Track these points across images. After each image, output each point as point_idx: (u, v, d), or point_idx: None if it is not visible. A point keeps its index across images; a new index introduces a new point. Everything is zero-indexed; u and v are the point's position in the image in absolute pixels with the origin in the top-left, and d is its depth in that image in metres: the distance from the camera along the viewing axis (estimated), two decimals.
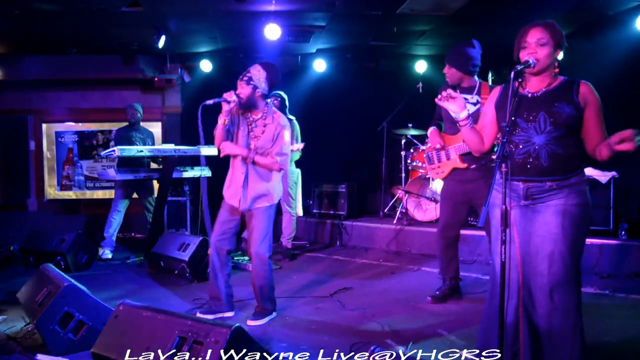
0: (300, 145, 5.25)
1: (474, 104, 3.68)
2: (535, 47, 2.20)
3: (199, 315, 3.49)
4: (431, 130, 3.89)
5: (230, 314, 3.60)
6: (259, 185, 3.43)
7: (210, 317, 3.46)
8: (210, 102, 3.29)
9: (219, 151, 3.50)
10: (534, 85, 2.28)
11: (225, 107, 3.32)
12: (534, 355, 2.21)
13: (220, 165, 3.67)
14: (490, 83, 3.91)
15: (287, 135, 3.43)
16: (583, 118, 2.21)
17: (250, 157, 3.38)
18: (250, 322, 3.40)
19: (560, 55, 2.27)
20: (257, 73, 3.37)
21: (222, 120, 3.35)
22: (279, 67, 3.54)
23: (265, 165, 3.41)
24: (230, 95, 3.29)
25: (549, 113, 2.20)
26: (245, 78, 3.36)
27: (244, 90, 3.35)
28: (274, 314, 3.56)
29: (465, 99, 3.71)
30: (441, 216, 3.91)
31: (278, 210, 5.28)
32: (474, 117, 3.63)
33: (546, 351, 2.20)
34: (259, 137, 3.42)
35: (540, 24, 2.22)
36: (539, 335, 2.21)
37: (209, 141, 3.51)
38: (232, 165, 3.55)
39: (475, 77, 3.76)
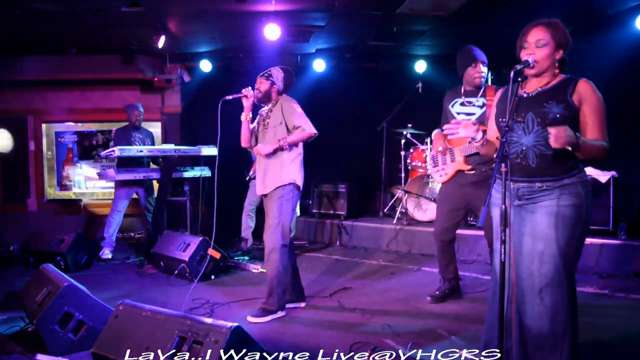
0: None
1: (480, 107, 3.66)
2: (534, 47, 2.18)
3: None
4: (435, 132, 3.87)
5: (301, 304, 3.78)
6: (273, 169, 3.57)
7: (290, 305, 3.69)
8: (229, 97, 3.55)
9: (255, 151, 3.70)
10: (532, 85, 2.26)
11: (245, 103, 3.60)
12: (524, 355, 2.20)
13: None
14: (489, 83, 3.89)
15: (296, 106, 3.62)
16: (578, 117, 2.16)
17: (283, 144, 3.53)
18: (251, 319, 3.38)
19: (561, 55, 2.25)
20: (277, 72, 3.69)
21: (244, 116, 3.63)
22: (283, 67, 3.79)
23: (299, 139, 3.56)
24: (248, 91, 3.60)
25: (537, 113, 2.17)
26: (265, 74, 3.67)
27: (262, 84, 3.65)
28: (279, 313, 3.50)
29: (470, 102, 3.71)
30: (438, 219, 3.87)
31: None
32: (480, 119, 3.62)
33: (535, 352, 2.19)
34: (268, 123, 3.65)
35: (542, 24, 2.20)
36: (529, 335, 2.20)
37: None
38: (257, 160, 3.75)
39: None
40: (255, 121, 3.76)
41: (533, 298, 2.17)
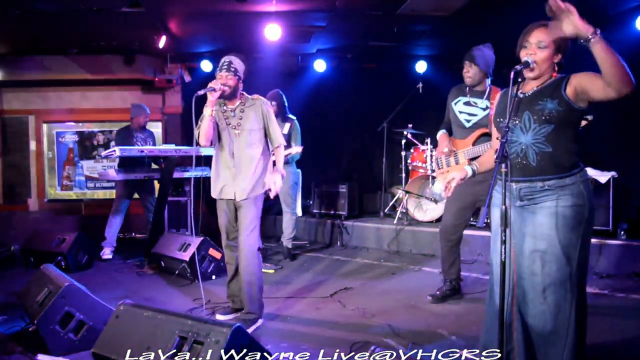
0: (299, 149, 5.26)
1: (483, 109, 3.64)
2: (535, 48, 2.19)
3: (218, 317, 3.50)
4: (440, 134, 3.86)
5: None
6: (247, 174, 3.38)
7: (231, 316, 3.50)
8: (201, 92, 3.24)
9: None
10: (530, 86, 2.27)
11: (210, 97, 3.23)
12: (528, 355, 2.21)
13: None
14: (489, 83, 3.89)
15: (272, 112, 3.52)
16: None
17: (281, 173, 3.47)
18: None
19: (559, 59, 2.25)
20: (239, 64, 3.36)
21: (208, 111, 3.24)
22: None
23: (282, 159, 3.53)
24: (216, 84, 3.25)
25: (532, 111, 2.18)
26: (232, 69, 3.32)
27: (230, 80, 3.30)
28: (261, 320, 3.36)
29: (475, 103, 3.68)
30: (445, 217, 3.84)
31: (278, 210, 5.27)
32: (483, 122, 3.60)
33: (539, 351, 2.20)
34: (240, 124, 3.38)
35: (544, 25, 2.20)
36: (532, 334, 2.21)
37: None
38: (218, 157, 3.48)
39: (487, 81, 3.72)
40: (212, 115, 3.28)
41: (535, 297, 2.17)
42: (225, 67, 3.30)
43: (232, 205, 3.47)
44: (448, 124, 3.89)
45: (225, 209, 3.48)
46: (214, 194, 3.51)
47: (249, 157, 3.39)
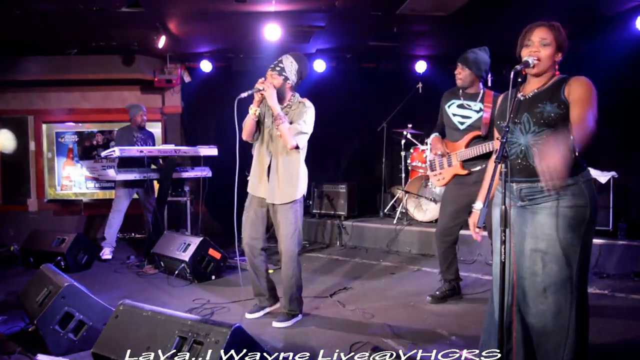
0: None
1: (477, 112, 3.65)
2: (538, 46, 2.20)
3: (247, 316, 3.54)
4: (433, 137, 3.87)
5: (276, 306, 3.66)
6: (284, 178, 3.36)
7: (259, 314, 3.57)
8: (244, 94, 3.24)
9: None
10: (530, 88, 2.28)
11: (257, 96, 3.29)
12: (527, 355, 2.21)
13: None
14: (489, 84, 3.89)
15: (310, 115, 3.36)
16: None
17: (281, 118, 3.24)
18: (276, 324, 3.36)
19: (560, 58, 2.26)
20: (290, 64, 3.36)
21: (253, 109, 3.30)
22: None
23: (284, 134, 3.27)
24: (261, 84, 3.28)
25: (531, 113, 2.19)
26: (277, 68, 3.34)
27: (275, 80, 3.32)
28: (300, 316, 3.51)
29: (469, 105, 3.69)
30: (441, 219, 3.87)
31: None
32: (476, 124, 3.62)
33: (538, 351, 2.20)
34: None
35: (545, 25, 2.21)
36: (532, 334, 2.21)
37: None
38: (256, 155, 3.50)
39: (481, 85, 3.73)
40: (258, 110, 3.34)
41: (536, 297, 2.17)
42: (272, 66, 3.36)
43: (265, 205, 3.45)
44: (441, 127, 3.91)
45: (256, 208, 3.48)
46: (249, 188, 3.55)
47: (286, 159, 3.37)
